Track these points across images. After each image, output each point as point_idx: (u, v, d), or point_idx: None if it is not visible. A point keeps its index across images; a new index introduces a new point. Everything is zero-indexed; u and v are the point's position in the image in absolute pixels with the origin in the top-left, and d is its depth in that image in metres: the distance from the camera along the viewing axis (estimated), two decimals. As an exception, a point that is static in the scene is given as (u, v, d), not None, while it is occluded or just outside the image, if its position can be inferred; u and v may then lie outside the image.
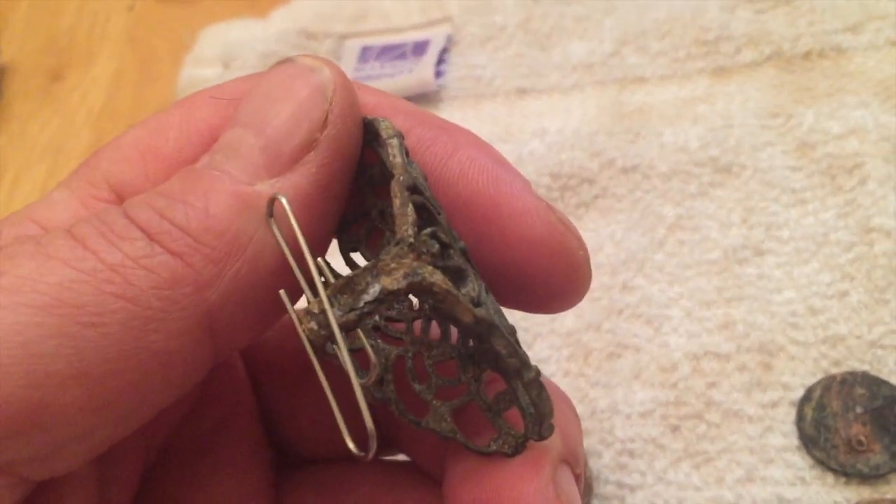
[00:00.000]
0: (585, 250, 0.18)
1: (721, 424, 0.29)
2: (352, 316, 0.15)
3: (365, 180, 0.18)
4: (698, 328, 0.31)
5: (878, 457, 0.27)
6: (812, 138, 0.34)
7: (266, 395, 0.23)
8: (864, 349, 0.29)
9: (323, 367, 0.16)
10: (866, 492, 0.27)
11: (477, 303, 0.16)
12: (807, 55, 0.36)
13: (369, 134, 0.17)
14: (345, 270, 0.17)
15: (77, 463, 0.16)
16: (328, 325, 0.15)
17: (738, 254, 0.32)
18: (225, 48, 0.45)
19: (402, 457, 0.23)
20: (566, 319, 0.32)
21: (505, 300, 0.18)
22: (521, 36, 0.41)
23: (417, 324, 0.19)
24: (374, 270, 0.15)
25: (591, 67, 0.39)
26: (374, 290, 0.15)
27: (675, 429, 0.29)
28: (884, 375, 0.28)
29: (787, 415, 0.28)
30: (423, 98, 0.40)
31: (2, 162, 0.47)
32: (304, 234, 0.16)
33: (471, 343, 0.18)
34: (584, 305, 0.32)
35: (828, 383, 0.28)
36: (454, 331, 0.18)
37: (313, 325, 0.16)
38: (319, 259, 0.16)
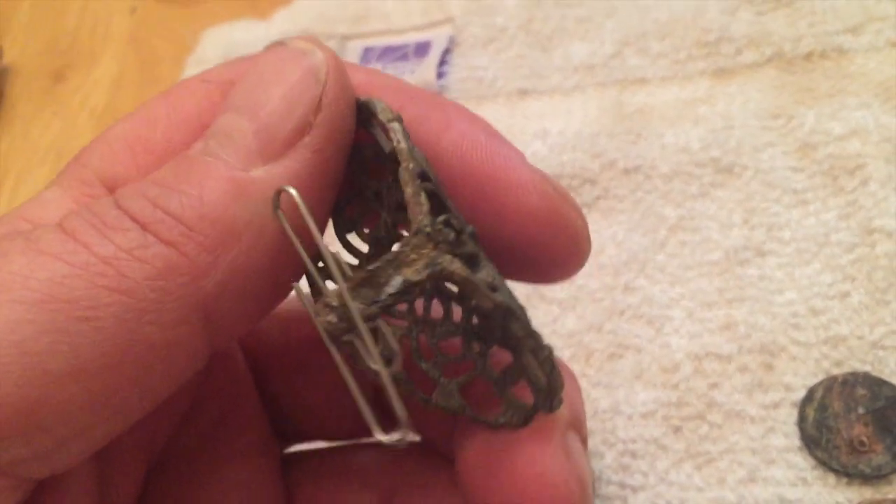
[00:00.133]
0: (583, 219, 0.18)
1: (723, 425, 0.29)
2: (374, 309, 0.16)
3: (358, 161, 0.18)
4: (700, 329, 0.31)
5: (879, 457, 0.27)
6: (813, 139, 0.34)
7: (267, 379, 0.22)
8: (866, 350, 0.29)
9: (322, 355, 0.17)
10: (868, 492, 0.27)
11: (494, 287, 0.16)
12: (808, 56, 0.36)
13: (362, 114, 0.17)
14: (342, 253, 0.17)
15: (78, 459, 0.15)
16: (347, 318, 0.16)
17: (740, 255, 0.32)
18: (227, 50, 0.45)
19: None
20: (567, 320, 0.32)
21: (505, 272, 0.18)
22: (523, 37, 0.41)
23: (419, 303, 0.19)
24: (394, 263, 0.15)
25: (593, 69, 0.39)
26: (396, 283, 0.16)
27: (677, 429, 0.29)
28: (885, 376, 0.28)
29: (789, 415, 0.28)
30: (424, 99, 0.40)
31: (4, 163, 0.47)
32: (316, 226, 0.16)
33: (475, 320, 0.18)
34: (586, 306, 0.32)
35: (829, 384, 0.28)
36: (456, 308, 0.19)
37: (332, 317, 0.16)
38: (335, 251, 0.17)
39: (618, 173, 0.35)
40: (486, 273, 0.16)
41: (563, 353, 0.32)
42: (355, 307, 0.15)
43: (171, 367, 0.15)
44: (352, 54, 0.44)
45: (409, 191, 0.16)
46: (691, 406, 0.29)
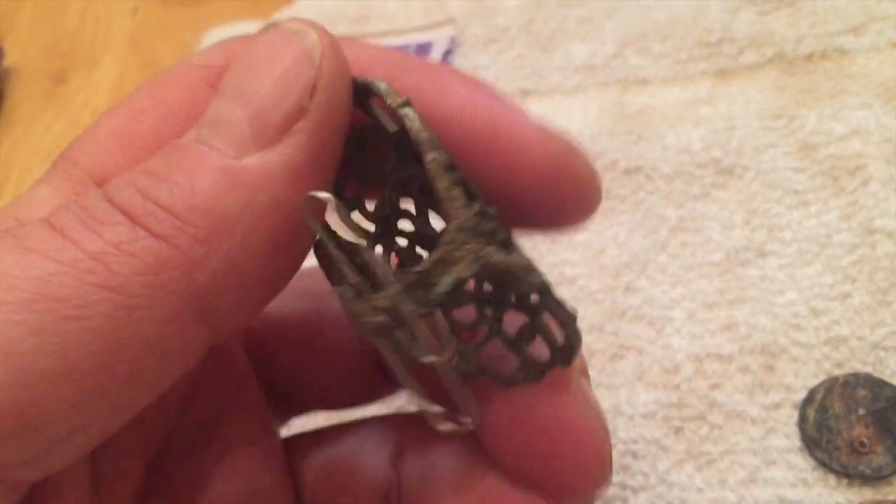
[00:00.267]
0: (591, 166, 0.18)
1: (724, 426, 0.29)
2: (426, 309, 0.16)
3: (356, 140, 0.18)
4: (701, 330, 0.31)
5: (880, 458, 0.27)
6: (814, 140, 0.34)
7: (263, 352, 0.22)
8: (867, 351, 0.29)
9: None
10: (868, 493, 0.27)
11: (529, 269, 0.16)
12: (809, 57, 0.36)
13: (360, 94, 0.17)
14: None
15: (72, 460, 0.15)
16: (399, 318, 0.16)
17: (741, 255, 0.32)
18: (228, 51, 0.45)
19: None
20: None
21: (519, 226, 0.18)
22: (524, 38, 0.41)
23: None
24: (442, 263, 0.16)
25: (594, 69, 0.39)
26: (446, 283, 0.16)
27: (677, 430, 0.29)
28: (886, 377, 0.28)
29: (790, 416, 0.28)
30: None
31: (6, 165, 0.47)
32: (355, 229, 0.16)
33: (486, 287, 0.18)
34: (587, 307, 0.32)
35: (830, 385, 0.28)
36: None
37: (381, 318, 0.16)
38: (381, 253, 0.17)
39: (619, 174, 0.35)
40: (519, 256, 0.16)
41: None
42: (410, 310, 0.16)
43: (166, 364, 0.15)
44: (353, 55, 0.44)
45: (442, 184, 0.16)
46: (692, 407, 0.29)
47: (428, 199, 0.18)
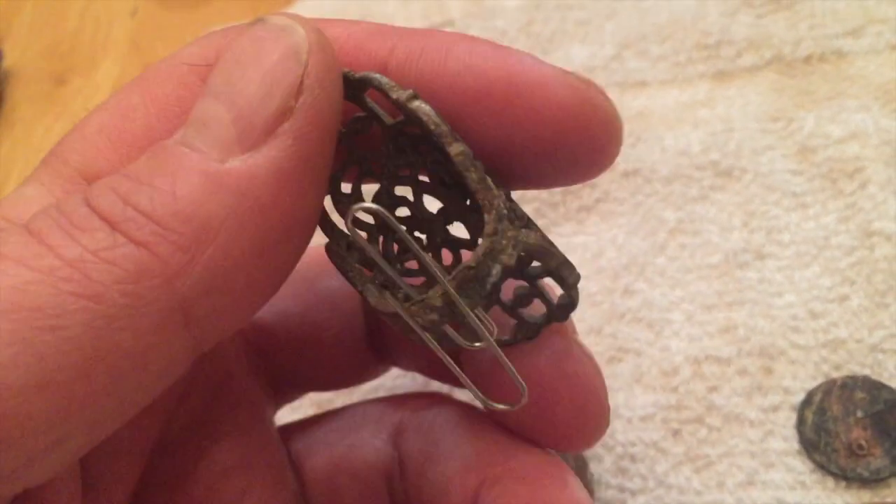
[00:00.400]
0: (613, 105, 0.17)
1: (722, 428, 0.29)
2: (483, 301, 0.16)
3: (348, 134, 0.18)
4: (699, 332, 0.31)
5: (878, 461, 0.27)
6: (813, 142, 0.34)
7: (253, 341, 0.22)
8: (865, 353, 0.29)
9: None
10: (867, 496, 0.27)
11: (551, 243, 0.17)
12: (807, 59, 0.36)
13: (353, 89, 0.17)
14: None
15: (54, 471, 0.15)
16: (452, 313, 0.16)
17: (739, 258, 0.32)
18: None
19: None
20: (567, 323, 0.32)
21: (537, 181, 0.18)
22: (523, 40, 0.41)
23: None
24: (492, 254, 0.16)
25: (593, 71, 0.39)
26: (497, 272, 0.16)
27: (676, 433, 0.29)
28: (884, 379, 0.28)
29: (788, 419, 0.28)
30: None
31: (5, 166, 0.47)
32: (410, 237, 0.16)
33: None
34: (585, 310, 0.32)
35: (828, 387, 0.28)
36: (466, 253, 0.19)
37: (434, 316, 0.16)
38: (429, 255, 0.17)
39: (617, 176, 0.35)
40: (538, 231, 0.17)
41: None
42: (464, 304, 0.16)
43: (148, 375, 0.14)
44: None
45: (474, 176, 0.16)
46: (690, 409, 0.29)
47: (426, 185, 0.19)
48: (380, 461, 0.22)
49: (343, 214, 0.18)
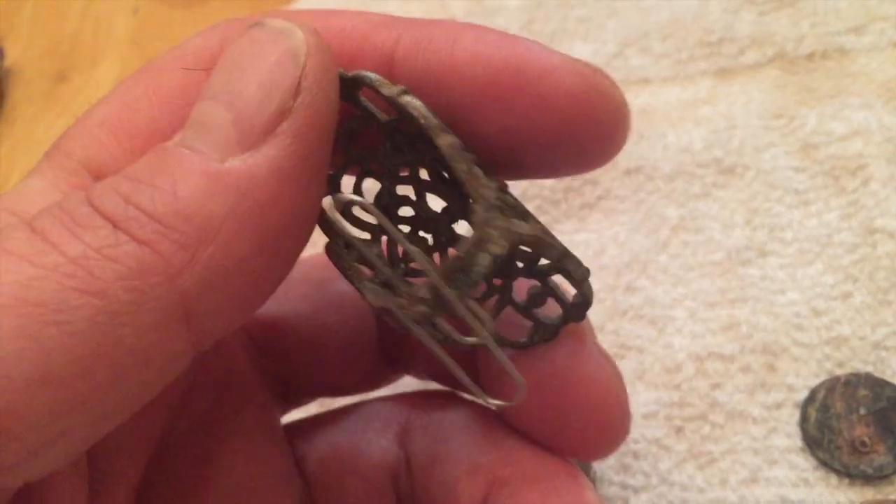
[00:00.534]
0: (621, 92, 0.17)
1: (725, 425, 0.29)
2: (469, 291, 0.16)
3: (346, 134, 0.18)
4: (702, 329, 0.31)
5: (881, 458, 0.27)
6: (815, 139, 0.34)
7: (263, 345, 0.22)
8: (868, 350, 0.29)
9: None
10: (870, 493, 0.27)
11: (548, 233, 0.17)
12: (810, 56, 0.36)
13: (347, 88, 0.17)
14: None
15: (55, 466, 0.15)
16: (436, 305, 0.16)
17: (742, 255, 0.32)
18: (229, 50, 0.45)
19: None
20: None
21: (544, 170, 0.18)
22: (525, 37, 0.41)
23: (436, 255, 0.19)
24: (479, 244, 0.16)
25: (595, 69, 0.39)
26: (485, 262, 0.16)
27: (678, 430, 0.29)
28: (887, 377, 0.28)
29: (791, 416, 0.28)
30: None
31: (6, 164, 0.47)
32: (390, 224, 0.16)
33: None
34: (588, 307, 0.32)
35: (831, 385, 0.28)
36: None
37: (423, 308, 0.16)
38: (412, 246, 0.17)
39: (620, 173, 0.35)
40: (535, 222, 0.17)
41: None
42: (452, 294, 0.16)
43: (149, 371, 0.15)
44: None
45: (462, 167, 0.16)
46: (693, 406, 0.29)
47: (427, 184, 0.19)
48: (386, 461, 0.22)
49: (342, 211, 0.19)
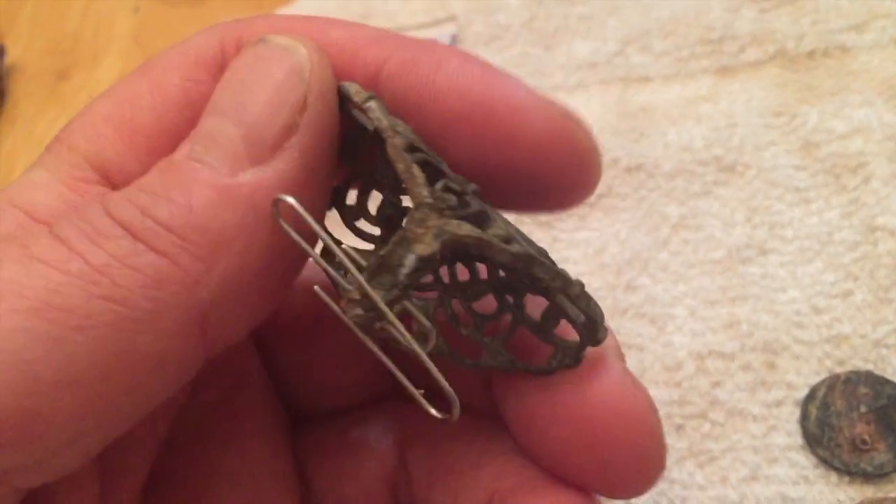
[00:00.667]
0: (592, 138, 0.17)
1: (725, 423, 0.29)
2: (396, 292, 0.16)
3: (348, 147, 0.18)
4: (702, 327, 0.31)
5: (882, 456, 0.27)
6: (816, 137, 0.34)
7: (273, 353, 0.22)
8: (869, 348, 0.29)
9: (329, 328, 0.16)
10: (870, 491, 0.27)
11: (508, 240, 0.16)
12: (811, 54, 0.36)
13: (341, 100, 0.17)
14: (353, 241, 0.18)
15: (71, 467, 0.15)
16: (374, 307, 0.16)
17: (742, 253, 0.32)
18: (230, 48, 0.45)
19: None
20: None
21: (519, 205, 0.18)
22: (526, 35, 0.41)
23: (443, 270, 0.19)
24: (403, 242, 0.15)
25: (596, 67, 0.39)
26: (410, 262, 0.15)
27: (679, 428, 0.29)
28: (888, 374, 0.28)
29: (791, 414, 0.28)
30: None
31: (8, 162, 0.47)
32: (320, 227, 0.16)
33: (501, 274, 0.18)
34: (589, 305, 0.32)
35: (832, 382, 0.28)
36: (481, 266, 0.18)
37: (359, 310, 0.16)
38: (346, 246, 0.17)
39: (620, 171, 0.35)
40: (497, 227, 0.16)
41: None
42: (377, 295, 0.15)
43: (164, 376, 0.15)
44: (354, 53, 0.44)
45: (400, 167, 0.16)
46: (694, 404, 0.29)
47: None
48: (385, 468, 0.21)
49: (350, 226, 0.19)
